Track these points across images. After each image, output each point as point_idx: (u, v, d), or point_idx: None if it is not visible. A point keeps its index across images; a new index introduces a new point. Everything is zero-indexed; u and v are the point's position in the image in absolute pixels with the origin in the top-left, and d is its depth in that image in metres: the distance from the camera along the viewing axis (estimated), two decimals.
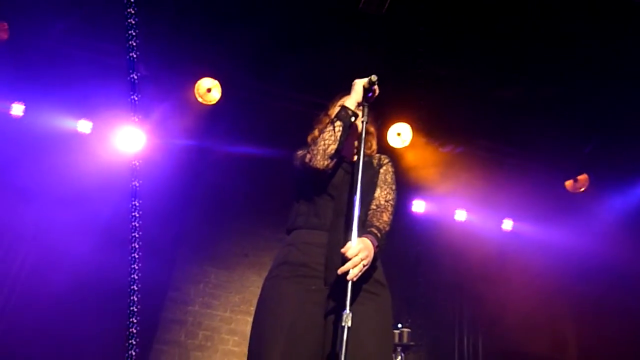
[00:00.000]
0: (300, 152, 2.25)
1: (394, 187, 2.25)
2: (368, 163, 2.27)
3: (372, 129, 2.37)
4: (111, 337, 4.31)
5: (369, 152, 2.35)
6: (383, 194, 2.20)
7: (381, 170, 2.28)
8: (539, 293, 5.40)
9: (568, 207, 5.51)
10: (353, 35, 4.36)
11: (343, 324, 1.70)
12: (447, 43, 4.43)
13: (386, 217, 2.12)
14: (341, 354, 1.67)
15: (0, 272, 4.66)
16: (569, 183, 5.48)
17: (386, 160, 2.33)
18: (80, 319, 4.47)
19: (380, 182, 2.24)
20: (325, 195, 2.13)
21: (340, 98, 2.32)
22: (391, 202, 2.19)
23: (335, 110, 2.20)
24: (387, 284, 2.08)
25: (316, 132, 2.31)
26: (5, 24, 4.34)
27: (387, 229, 2.08)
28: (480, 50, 4.44)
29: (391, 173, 2.29)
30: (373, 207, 2.17)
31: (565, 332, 5.86)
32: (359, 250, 1.82)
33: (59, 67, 4.62)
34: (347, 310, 1.71)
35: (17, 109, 4.84)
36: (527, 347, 5.56)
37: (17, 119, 4.84)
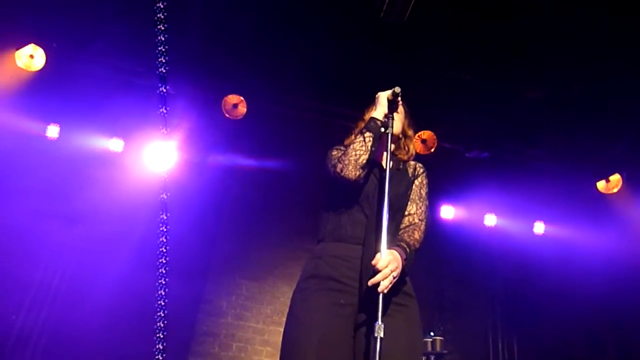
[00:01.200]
0: (335, 153, 2.22)
1: (427, 202, 2.23)
2: (403, 171, 2.25)
3: (410, 132, 2.35)
4: (146, 348, 4.41)
5: (406, 156, 2.32)
6: (418, 212, 2.18)
7: (416, 182, 2.25)
8: (575, 295, 5.28)
9: (601, 208, 5.39)
10: (375, 45, 4.39)
11: (376, 335, 1.71)
12: (469, 47, 4.41)
13: (418, 235, 2.11)
14: None
15: (41, 290, 4.81)
16: (601, 184, 5.36)
17: (421, 171, 2.29)
18: (116, 334, 4.57)
19: (415, 197, 2.21)
20: (357, 205, 2.11)
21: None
22: (425, 220, 2.18)
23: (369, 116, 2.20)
24: (415, 295, 2.07)
25: (353, 137, 2.25)
26: (42, 50, 4.53)
27: (417, 246, 2.07)
28: (503, 52, 4.41)
29: (425, 186, 2.26)
30: (406, 222, 2.16)
31: (604, 334, 5.72)
32: (388, 262, 1.82)
33: (91, 89, 4.77)
34: (379, 322, 1.72)
35: (53, 131, 5.02)
36: (564, 350, 5.45)
37: (52, 141, 5.02)
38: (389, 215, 1.90)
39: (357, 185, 2.09)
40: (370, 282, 1.82)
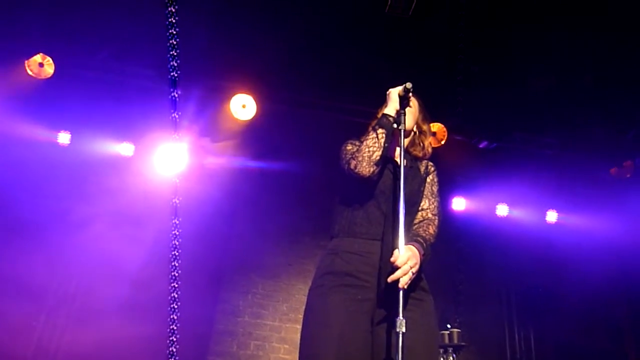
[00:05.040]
0: (349, 147, 2.21)
1: (439, 199, 2.27)
2: (415, 169, 2.27)
3: (424, 127, 2.36)
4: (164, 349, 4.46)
5: (421, 153, 2.33)
6: (431, 207, 2.21)
7: (428, 179, 2.28)
8: (591, 284, 5.25)
9: (614, 195, 5.35)
10: (382, 39, 4.38)
11: (397, 330, 1.72)
12: (476, 39, 4.38)
13: (432, 230, 2.13)
14: (397, 359, 1.70)
15: (59, 295, 4.88)
16: (614, 170, 5.32)
17: (432, 169, 2.32)
18: (134, 335, 4.59)
19: (427, 193, 2.24)
20: (372, 201, 2.12)
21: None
22: (438, 215, 2.21)
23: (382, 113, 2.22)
24: (429, 289, 2.09)
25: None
26: (50, 59, 4.56)
27: (432, 241, 2.09)
28: (512, 42, 4.39)
29: (437, 184, 2.29)
30: (420, 217, 2.18)
31: (621, 323, 5.68)
32: (407, 259, 1.84)
33: (100, 95, 4.81)
34: (401, 317, 1.74)
35: (64, 138, 5.06)
36: (581, 340, 5.42)
37: (64, 147, 5.07)
38: (405, 211, 1.91)
39: (371, 182, 2.10)
40: (390, 279, 1.83)
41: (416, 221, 2.17)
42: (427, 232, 2.10)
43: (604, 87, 4.58)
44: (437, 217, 2.20)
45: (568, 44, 4.25)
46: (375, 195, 2.13)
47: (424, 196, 2.23)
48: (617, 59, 4.28)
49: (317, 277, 2.09)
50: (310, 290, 2.10)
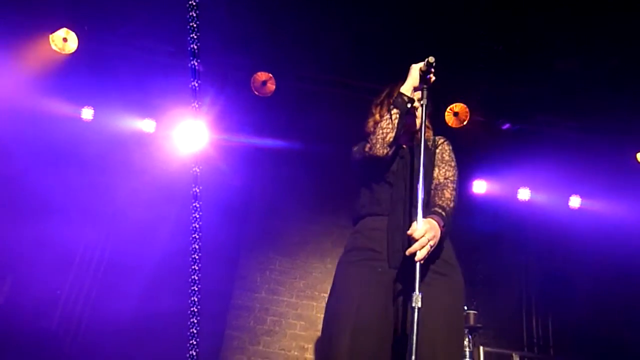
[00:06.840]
0: (356, 148, 2.31)
1: (452, 163, 2.23)
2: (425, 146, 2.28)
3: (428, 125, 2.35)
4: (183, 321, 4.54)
5: (427, 133, 2.31)
6: (442, 172, 2.20)
7: (437, 151, 2.27)
8: (611, 271, 5.17)
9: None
10: (406, 15, 4.30)
11: (413, 305, 1.72)
12: (502, 17, 4.28)
13: (448, 194, 2.09)
14: (412, 334, 1.70)
15: (82, 267, 5.02)
16: None
17: (441, 141, 2.32)
18: (153, 307, 4.70)
19: (437, 162, 2.23)
20: (384, 182, 2.17)
21: (391, 88, 2.33)
22: (451, 178, 2.17)
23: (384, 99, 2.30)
24: (457, 264, 2.10)
25: (370, 123, 2.34)
26: (74, 34, 4.60)
27: (451, 205, 2.05)
28: (537, 22, 4.27)
29: (448, 151, 2.27)
30: (432, 187, 2.18)
31: None
32: (425, 231, 1.84)
33: (123, 71, 4.85)
34: (417, 292, 1.74)
35: (87, 113, 5.14)
36: (601, 327, 5.36)
37: (87, 123, 5.14)
38: (416, 185, 1.92)
39: (384, 163, 2.14)
40: (408, 252, 1.84)
41: (431, 191, 2.17)
42: (443, 199, 2.07)
43: (631, 69, 4.44)
44: (449, 180, 2.15)
45: (595, 24, 4.11)
46: (387, 176, 2.17)
47: (435, 166, 2.22)
48: None
49: (343, 254, 2.17)
50: (336, 266, 2.18)
